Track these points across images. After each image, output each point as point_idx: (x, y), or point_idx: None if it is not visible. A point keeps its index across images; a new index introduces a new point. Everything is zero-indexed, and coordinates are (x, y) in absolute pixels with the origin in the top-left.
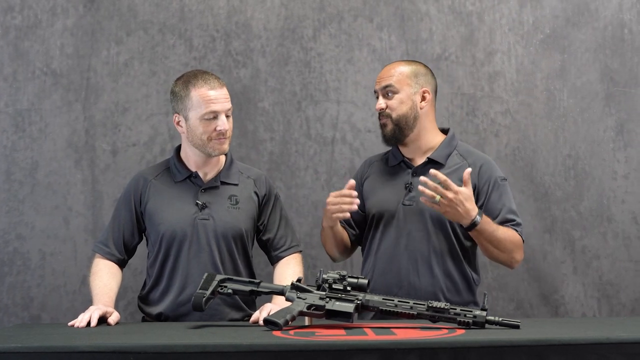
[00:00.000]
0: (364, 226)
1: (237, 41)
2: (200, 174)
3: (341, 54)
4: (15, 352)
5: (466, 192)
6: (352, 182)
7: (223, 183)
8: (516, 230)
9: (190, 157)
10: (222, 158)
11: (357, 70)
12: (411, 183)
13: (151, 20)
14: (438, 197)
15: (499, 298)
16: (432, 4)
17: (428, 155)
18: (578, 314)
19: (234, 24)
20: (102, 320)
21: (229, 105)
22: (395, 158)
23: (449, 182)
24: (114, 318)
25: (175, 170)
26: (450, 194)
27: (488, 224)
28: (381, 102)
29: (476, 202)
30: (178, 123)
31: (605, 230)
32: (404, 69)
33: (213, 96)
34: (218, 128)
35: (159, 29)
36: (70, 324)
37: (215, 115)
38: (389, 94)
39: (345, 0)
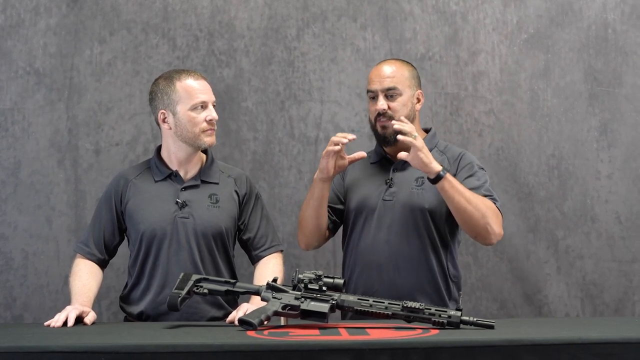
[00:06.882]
0: (342, 218)
1: (220, 41)
2: (181, 173)
3: (325, 53)
4: None
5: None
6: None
7: (204, 182)
8: (494, 203)
9: (173, 155)
10: (203, 157)
11: (340, 69)
12: (392, 179)
13: (134, 19)
14: (415, 134)
15: (482, 298)
16: (416, 4)
17: None
18: (561, 313)
19: (217, 24)
20: (79, 320)
21: (213, 97)
22: (376, 155)
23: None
24: (90, 318)
25: (155, 169)
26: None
27: (457, 182)
28: (383, 104)
29: None
30: (164, 120)
31: (588, 230)
32: (404, 70)
33: (199, 87)
34: (208, 118)
35: (142, 29)
36: (46, 323)
37: (204, 105)
38: (392, 96)
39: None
